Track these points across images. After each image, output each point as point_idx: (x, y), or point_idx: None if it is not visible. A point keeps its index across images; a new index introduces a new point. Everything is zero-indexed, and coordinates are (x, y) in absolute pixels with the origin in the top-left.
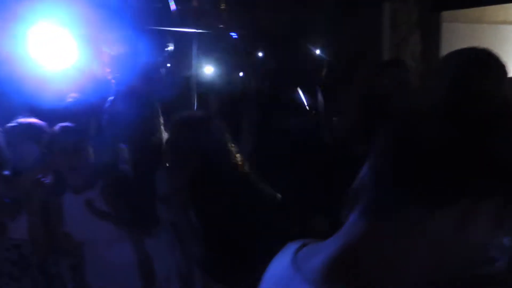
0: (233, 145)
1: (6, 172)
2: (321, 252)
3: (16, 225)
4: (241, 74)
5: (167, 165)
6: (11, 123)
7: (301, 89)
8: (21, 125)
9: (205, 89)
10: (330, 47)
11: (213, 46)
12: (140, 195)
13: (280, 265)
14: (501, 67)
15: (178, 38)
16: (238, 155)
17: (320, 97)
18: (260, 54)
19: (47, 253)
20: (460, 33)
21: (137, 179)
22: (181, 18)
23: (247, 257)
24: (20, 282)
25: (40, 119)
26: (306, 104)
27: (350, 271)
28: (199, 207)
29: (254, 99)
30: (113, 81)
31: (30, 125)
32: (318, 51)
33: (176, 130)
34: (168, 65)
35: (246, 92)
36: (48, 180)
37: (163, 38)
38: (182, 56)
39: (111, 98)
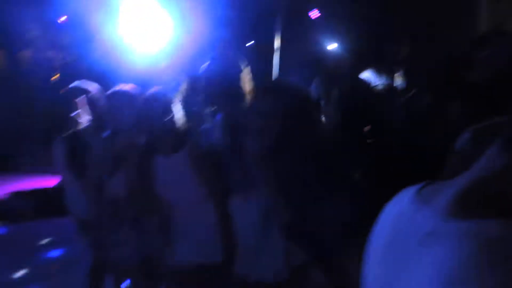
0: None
1: (106, 133)
2: (452, 187)
3: (113, 182)
4: None
5: (251, 129)
6: (111, 89)
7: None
8: (120, 91)
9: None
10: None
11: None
12: (225, 159)
13: (399, 204)
14: None
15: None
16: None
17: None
18: None
19: (142, 210)
20: None
21: (224, 144)
22: None
23: (328, 220)
24: (115, 235)
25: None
26: None
27: (491, 201)
28: (281, 171)
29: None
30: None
31: (127, 91)
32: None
33: (261, 95)
34: None
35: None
36: (142, 142)
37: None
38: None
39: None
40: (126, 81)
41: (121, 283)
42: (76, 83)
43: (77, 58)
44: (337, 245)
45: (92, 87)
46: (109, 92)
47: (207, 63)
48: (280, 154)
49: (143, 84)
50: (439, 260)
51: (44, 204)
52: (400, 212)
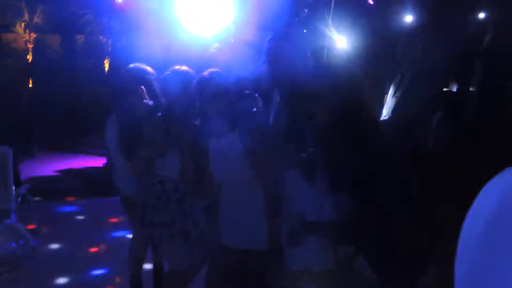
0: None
1: (159, 114)
2: None
3: (162, 163)
4: None
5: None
6: (167, 71)
7: None
8: (175, 72)
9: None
10: None
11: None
12: (274, 139)
13: (504, 182)
14: None
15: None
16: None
17: None
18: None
19: (192, 191)
20: None
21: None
22: None
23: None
24: (160, 214)
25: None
26: None
27: None
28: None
29: None
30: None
31: (183, 72)
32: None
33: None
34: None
35: None
36: (197, 123)
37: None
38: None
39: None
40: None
41: (161, 263)
42: (132, 65)
43: (130, 43)
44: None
45: (148, 69)
46: (166, 73)
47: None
48: (335, 137)
49: (197, 67)
50: None
51: (93, 183)
52: (507, 190)
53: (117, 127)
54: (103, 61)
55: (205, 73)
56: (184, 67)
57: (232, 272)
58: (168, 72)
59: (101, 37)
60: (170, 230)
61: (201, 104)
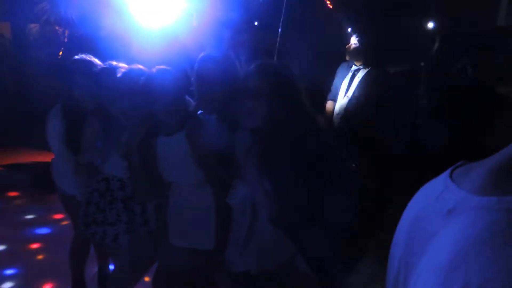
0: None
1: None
2: (483, 165)
3: (110, 162)
4: None
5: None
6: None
7: None
8: (129, 72)
9: None
10: None
11: None
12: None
13: (431, 185)
14: None
15: None
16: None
17: None
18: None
19: (141, 191)
20: None
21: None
22: None
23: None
24: (105, 213)
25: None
26: None
27: None
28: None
29: None
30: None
31: (133, 70)
32: None
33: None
34: None
35: None
36: (144, 122)
37: None
38: None
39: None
40: (132, 59)
41: (106, 264)
42: (81, 56)
43: (84, 35)
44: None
45: (97, 62)
46: (117, 71)
47: (203, 57)
48: (272, 138)
49: (150, 62)
50: (457, 231)
51: (39, 179)
52: (430, 191)
53: (61, 119)
54: (58, 52)
55: (153, 70)
56: (136, 65)
57: (180, 272)
58: (123, 70)
59: (56, 27)
60: (114, 230)
61: (148, 103)
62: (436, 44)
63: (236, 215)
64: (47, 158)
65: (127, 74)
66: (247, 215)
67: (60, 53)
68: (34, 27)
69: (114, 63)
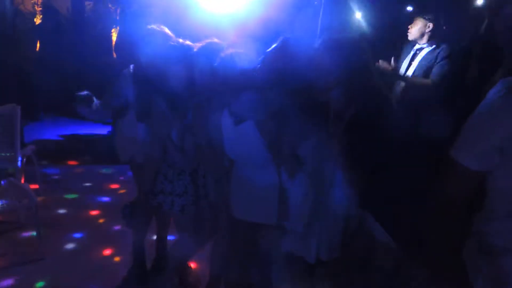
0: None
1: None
2: None
3: (178, 133)
4: None
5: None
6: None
7: None
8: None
9: None
10: None
11: None
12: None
13: None
14: None
15: None
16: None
17: None
18: None
19: (205, 164)
20: None
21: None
22: None
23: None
24: (172, 183)
25: None
26: None
27: None
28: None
29: None
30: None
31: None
32: None
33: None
34: None
35: None
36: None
37: None
38: None
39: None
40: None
41: (165, 233)
42: (152, 26)
43: (135, 12)
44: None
45: (170, 34)
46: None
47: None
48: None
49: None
50: None
51: (96, 150)
52: None
53: (132, 82)
54: (111, 30)
55: (228, 52)
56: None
57: (240, 244)
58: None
59: (110, 5)
60: (182, 201)
61: (223, 83)
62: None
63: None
64: (103, 130)
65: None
66: (313, 199)
67: (113, 30)
68: (88, 4)
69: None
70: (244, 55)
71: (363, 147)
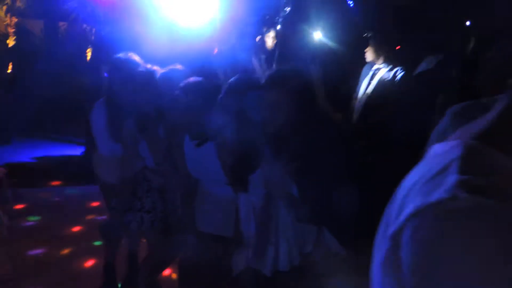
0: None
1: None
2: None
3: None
4: None
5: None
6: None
7: None
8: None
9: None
10: None
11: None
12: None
13: None
14: None
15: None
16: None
17: None
18: None
19: (169, 182)
20: None
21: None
22: None
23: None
24: (141, 201)
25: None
26: None
27: None
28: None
29: None
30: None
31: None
32: None
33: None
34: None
35: None
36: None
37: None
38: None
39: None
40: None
41: (136, 249)
42: (122, 55)
43: (111, 33)
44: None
45: (138, 61)
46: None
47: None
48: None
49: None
50: None
51: (70, 171)
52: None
53: (104, 111)
54: (86, 49)
55: (189, 81)
56: (177, 66)
57: (206, 256)
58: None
59: (84, 25)
60: (150, 217)
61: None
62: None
63: (256, 211)
64: (76, 151)
65: (166, 76)
66: (268, 212)
67: (88, 50)
68: (63, 25)
69: (150, 66)
70: (204, 83)
71: (312, 172)
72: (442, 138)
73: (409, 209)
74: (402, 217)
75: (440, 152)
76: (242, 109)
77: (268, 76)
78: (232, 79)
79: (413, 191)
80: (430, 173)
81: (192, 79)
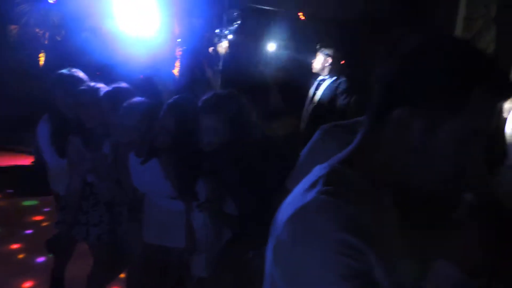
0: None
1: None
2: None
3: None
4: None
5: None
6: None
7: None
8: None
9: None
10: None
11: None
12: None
13: None
14: None
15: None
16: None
17: None
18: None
19: (115, 196)
20: None
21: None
22: None
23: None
24: (87, 215)
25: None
26: None
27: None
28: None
29: None
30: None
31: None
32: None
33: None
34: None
35: None
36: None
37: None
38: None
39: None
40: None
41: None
42: (66, 70)
43: (66, 38)
44: None
45: (82, 76)
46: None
47: None
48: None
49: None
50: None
51: (19, 181)
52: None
53: (50, 125)
54: (38, 54)
55: (134, 100)
56: (123, 84)
57: (153, 267)
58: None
59: (37, 30)
60: (97, 230)
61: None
62: None
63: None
64: (26, 161)
65: (110, 95)
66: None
67: (41, 55)
68: (14, 28)
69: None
70: (146, 103)
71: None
72: (310, 152)
73: (287, 214)
74: (281, 221)
75: (315, 172)
76: (180, 129)
77: (203, 101)
78: (170, 100)
79: (294, 199)
80: (305, 187)
81: (135, 99)
